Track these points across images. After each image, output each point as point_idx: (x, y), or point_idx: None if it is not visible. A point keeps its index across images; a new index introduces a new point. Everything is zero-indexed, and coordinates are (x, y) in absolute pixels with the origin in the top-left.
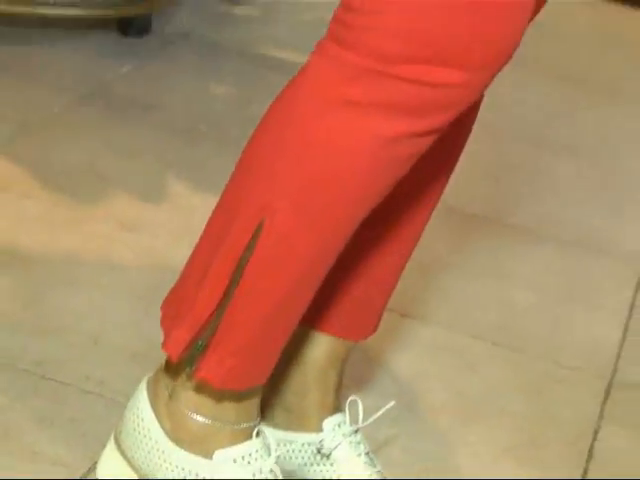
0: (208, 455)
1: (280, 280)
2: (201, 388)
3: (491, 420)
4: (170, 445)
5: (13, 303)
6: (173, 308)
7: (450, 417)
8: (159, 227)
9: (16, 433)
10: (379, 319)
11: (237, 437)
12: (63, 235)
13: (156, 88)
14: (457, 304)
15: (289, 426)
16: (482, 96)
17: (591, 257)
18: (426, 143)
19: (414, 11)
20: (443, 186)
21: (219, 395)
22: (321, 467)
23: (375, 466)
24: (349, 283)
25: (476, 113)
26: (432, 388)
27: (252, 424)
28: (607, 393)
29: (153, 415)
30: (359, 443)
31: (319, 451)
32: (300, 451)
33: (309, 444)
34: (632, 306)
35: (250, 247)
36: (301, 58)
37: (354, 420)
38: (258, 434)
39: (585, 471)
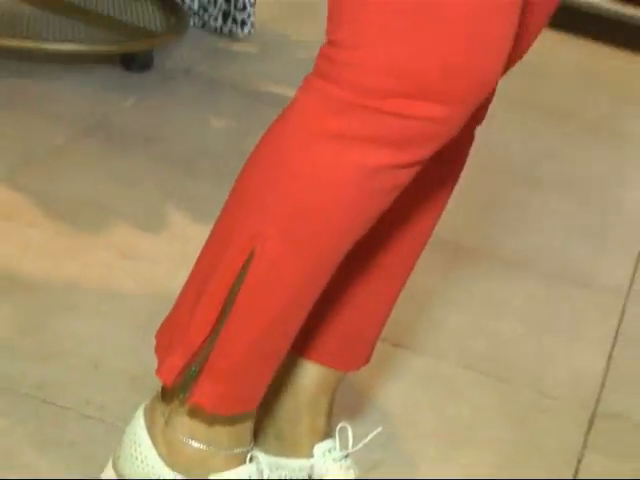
0: None
1: (270, 307)
2: (195, 413)
3: (478, 446)
4: (166, 470)
5: (16, 328)
6: (167, 336)
7: (438, 443)
8: (158, 256)
9: (17, 456)
10: (370, 351)
11: (231, 462)
12: (65, 263)
13: (157, 121)
14: (447, 334)
15: (281, 451)
16: (473, 136)
17: (576, 289)
18: (409, 175)
19: (393, 46)
20: (434, 222)
21: (212, 420)
22: None
23: None
24: (338, 315)
25: (467, 151)
26: (421, 415)
27: (245, 449)
28: (590, 423)
29: (150, 441)
30: (349, 468)
31: (310, 476)
32: (292, 476)
33: (300, 469)
34: (616, 336)
35: (242, 275)
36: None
37: (344, 446)
38: (251, 459)
39: None
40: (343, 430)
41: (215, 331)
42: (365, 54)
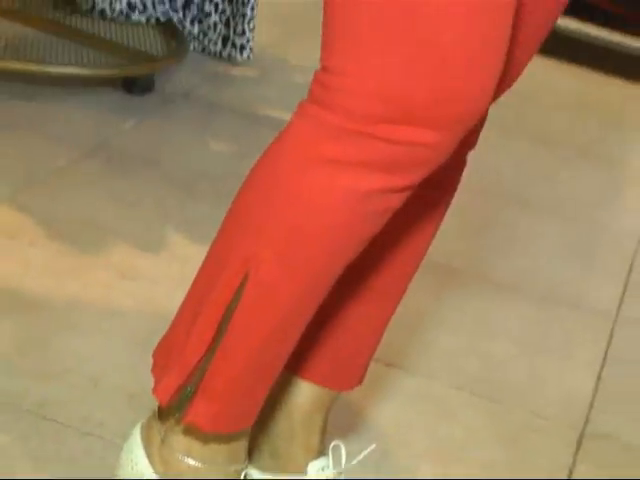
0: None
1: (265, 328)
2: (190, 432)
3: (470, 466)
4: None
5: (17, 345)
6: (163, 355)
7: (431, 462)
8: (157, 276)
9: (18, 472)
10: (363, 372)
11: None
12: (66, 282)
13: (157, 143)
14: (439, 355)
15: (275, 469)
16: (465, 161)
17: (566, 311)
18: (400, 199)
19: (383, 74)
20: (426, 246)
21: (207, 438)
22: None
23: None
24: (332, 336)
25: (459, 176)
26: (414, 435)
27: (240, 467)
28: (579, 443)
29: (146, 460)
30: None
31: None
32: None
33: None
34: (604, 358)
35: (237, 297)
36: None
37: (337, 463)
38: (246, 477)
39: None
40: (336, 448)
41: (210, 352)
42: (356, 81)
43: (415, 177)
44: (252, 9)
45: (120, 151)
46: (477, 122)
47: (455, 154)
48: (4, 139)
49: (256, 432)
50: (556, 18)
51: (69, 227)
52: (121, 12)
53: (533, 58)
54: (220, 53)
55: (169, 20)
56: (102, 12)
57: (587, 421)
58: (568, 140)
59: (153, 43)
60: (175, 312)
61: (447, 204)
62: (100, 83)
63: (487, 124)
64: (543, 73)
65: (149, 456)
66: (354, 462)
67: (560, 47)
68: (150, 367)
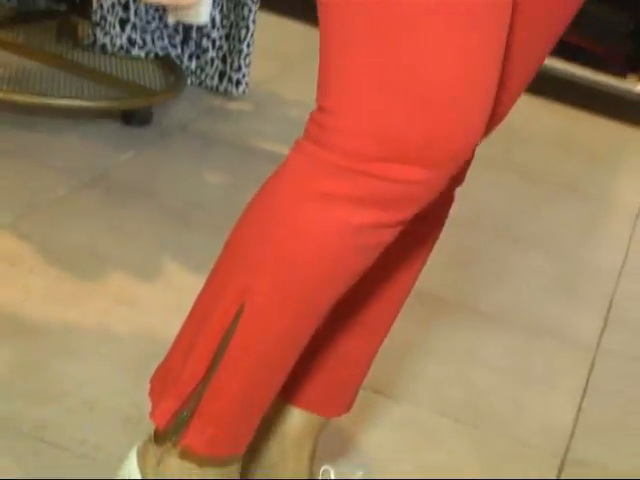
0: None
1: (259, 358)
2: (186, 455)
3: None
4: None
5: (16, 369)
6: (160, 381)
7: None
8: (153, 303)
9: None
10: (353, 399)
11: None
12: (65, 308)
13: (154, 174)
14: (426, 384)
15: None
16: (453, 197)
17: (548, 342)
18: (392, 234)
19: (376, 115)
20: (414, 280)
21: (202, 461)
22: None
23: None
24: (322, 365)
25: (447, 211)
26: (400, 460)
27: None
28: (560, 470)
29: None
30: None
31: None
32: None
33: None
34: (585, 389)
35: (232, 327)
36: (287, 150)
37: None
38: None
39: None
40: (326, 473)
41: (206, 378)
42: (351, 121)
43: (407, 213)
44: (248, 46)
45: (119, 181)
46: (467, 159)
47: (443, 190)
48: (6, 168)
49: (248, 457)
50: (546, 54)
51: (68, 255)
52: (121, 47)
53: (521, 97)
54: (217, 88)
55: (168, 55)
56: (103, 47)
57: (568, 449)
58: (553, 176)
59: (152, 77)
60: (170, 338)
61: (435, 239)
62: (100, 115)
63: (475, 160)
64: (530, 111)
65: (144, 477)
66: None
67: (547, 86)
68: (145, 392)
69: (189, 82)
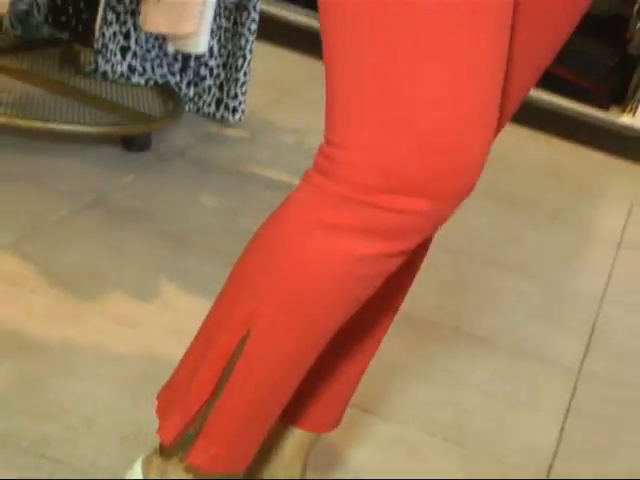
0: None
1: (264, 379)
2: (189, 470)
3: None
4: None
5: (17, 387)
6: (167, 398)
7: None
8: (150, 324)
9: None
10: (342, 414)
11: None
12: (65, 327)
13: (152, 198)
14: (413, 403)
15: None
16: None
17: (533, 365)
18: (395, 263)
19: (381, 149)
20: (401, 301)
21: (205, 477)
22: None
23: None
24: (313, 383)
25: (432, 237)
26: (388, 476)
27: None
28: None
29: None
30: None
31: None
32: None
33: None
34: (568, 410)
35: (239, 350)
36: (281, 176)
37: None
38: None
39: None
40: None
41: (211, 400)
42: (357, 155)
43: (410, 243)
44: (245, 74)
45: (118, 204)
46: (471, 191)
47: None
48: (9, 190)
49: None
50: (550, 57)
51: (69, 275)
52: (122, 74)
53: (508, 127)
54: (214, 115)
55: (167, 83)
56: (104, 74)
57: (551, 468)
58: (539, 204)
59: (151, 104)
60: (167, 358)
61: (422, 259)
62: (100, 140)
63: None
64: (517, 141)
65: None
66: None
67: (533, 117)
68: (142, 410)
69: (187, 109)
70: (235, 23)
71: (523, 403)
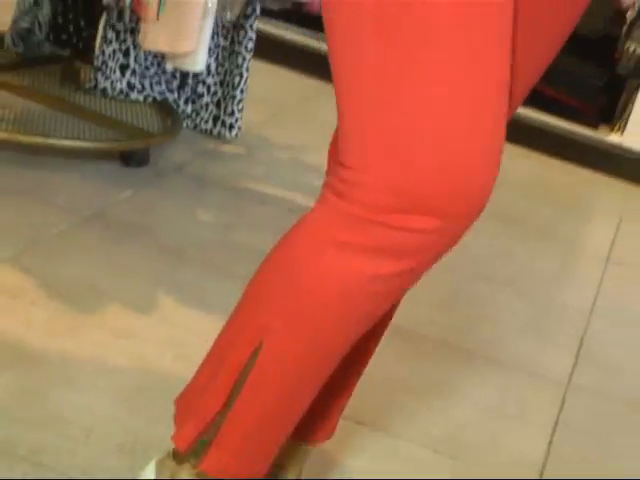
0: None
1: (275, 392)
2: (201, 476)
3: None
4: None
5: (16, 397)
6: (183, 406)
7: None
8: (148, 336)
9: None
10: (335, 425)
11: None
12: (63, 339)
13: (150, 213)
14: (406, 416)
15: None
16: None
17: (522, 379)
18: (409, 280)
19: (394, 170)
20: (394, 310)
21: None
22: None
23: None
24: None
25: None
26: None
27: None
28: None
29: None
30: None
31: None
32: None
33: None
34: (556, 424)
35: (251, 361)
36: (276, 192)
37: None
38: None
39: None
40: None
41: (224, 411)
42: (370, 176)
43: (424, 260)
44: (241, 92)
45: (117, 219)
46: (481, 211)
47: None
48: (9, 204)
49: None
50: (550, 57)
51: (68, 288)
52: (121, 91)
53: None
54: (211, 131)
55: (165, 99)
56: (104, 91)
57: None
58: (528, 220)
59: (149, 120)
60: (163, 370)
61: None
62: (99, 156)
63: None
64: (506, 158)
65: None
66: None
67: (521, 135)
68: (137, 420)
69: (185, 125)
70: (232, 42)
71: (512, 416)
